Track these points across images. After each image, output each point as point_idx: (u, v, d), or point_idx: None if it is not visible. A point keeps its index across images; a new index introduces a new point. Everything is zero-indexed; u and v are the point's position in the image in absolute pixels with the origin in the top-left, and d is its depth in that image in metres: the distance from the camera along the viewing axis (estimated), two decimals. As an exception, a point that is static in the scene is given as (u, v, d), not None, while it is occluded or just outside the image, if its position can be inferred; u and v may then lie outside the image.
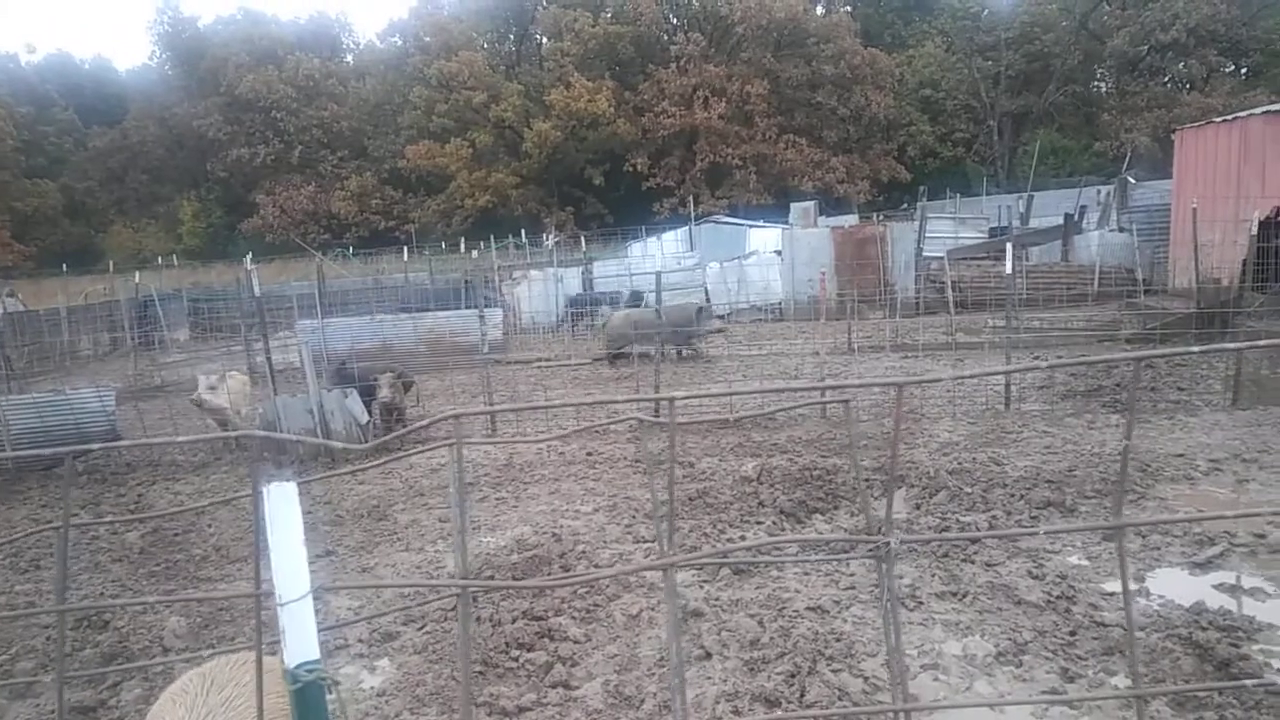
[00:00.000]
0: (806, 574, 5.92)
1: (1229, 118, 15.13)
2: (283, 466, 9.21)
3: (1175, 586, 5.40)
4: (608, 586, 5.83)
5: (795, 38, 42.88)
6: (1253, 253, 10.76)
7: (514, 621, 5.40)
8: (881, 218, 27.22)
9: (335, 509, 8.09)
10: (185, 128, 47.71)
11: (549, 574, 6.05)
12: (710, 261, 20.83)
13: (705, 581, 5.89)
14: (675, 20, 46.01)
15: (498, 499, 8.04)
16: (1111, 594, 5.34)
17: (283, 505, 1.42)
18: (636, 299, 17.59)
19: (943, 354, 13.58)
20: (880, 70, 42.78)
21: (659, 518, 6.57)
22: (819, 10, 45.86)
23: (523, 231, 28.31)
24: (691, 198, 37.60)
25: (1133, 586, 5.43)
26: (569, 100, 41.54)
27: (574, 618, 5.47)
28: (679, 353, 14.50)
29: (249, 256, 15.64)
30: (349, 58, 53.78)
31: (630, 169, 42.94)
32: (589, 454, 9.21)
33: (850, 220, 28.96)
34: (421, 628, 5.51)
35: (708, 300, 18.08)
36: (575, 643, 5.20)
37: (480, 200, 42.98)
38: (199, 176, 50.63)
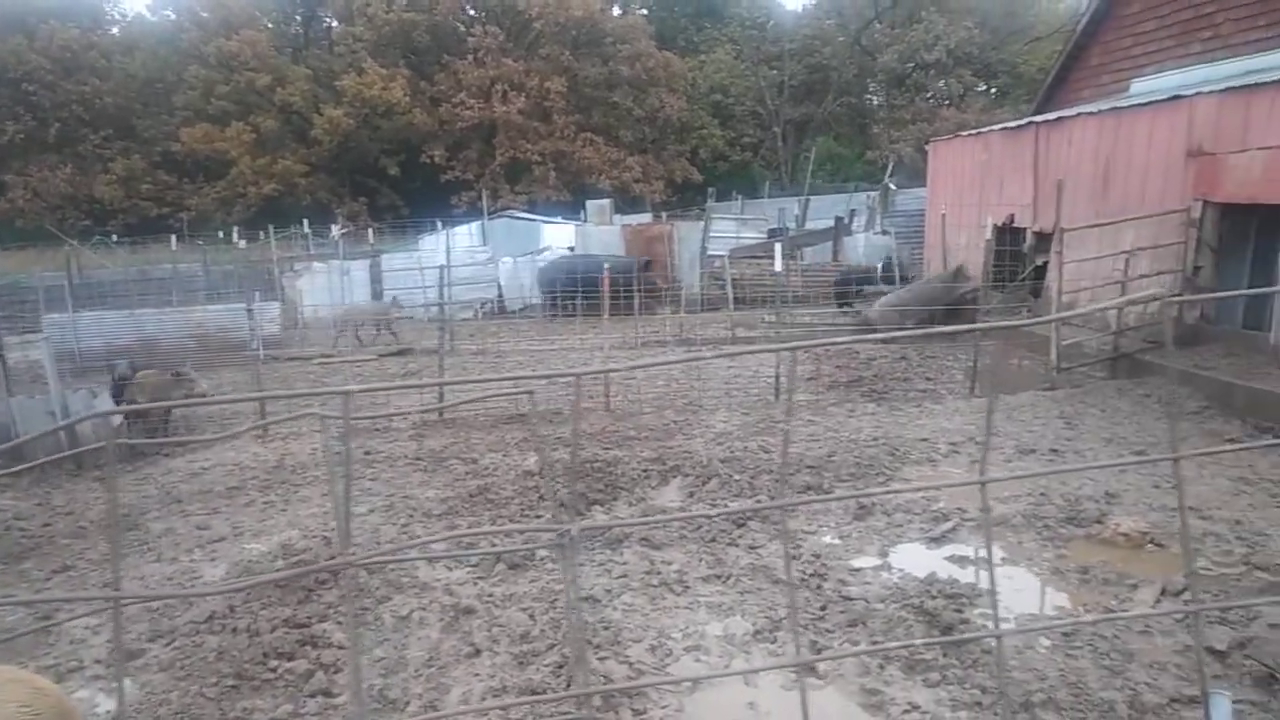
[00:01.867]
0: (581, 564, 6.01)
1: (974, 132, 16.66)
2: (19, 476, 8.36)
3: (913, 560, 5.89)
4: (378, 588, 5.68)
5: (593, 37, 43.31)
6: (990, 255, 11.92)
7: (274, 630, 5.15)
8: (666, 217, 27.98)
9: (78, 520, 7.42)
10: (-82, 98, 42.05)
11: (318, 580, 5.81)
12: (504, 257, 20.70)
13: (480, 578, 5.85)
14: (473, 11, 45.23)
15: (265, 503, 7.64)
16: (859, 570, 5.76)
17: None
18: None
19: (724, 348, 14.15)
20: (674, 74, 43.94)
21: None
22: (615, 11, 46.52)
23: (304, 222, 26.88)
24: (491, 192, 37.16)
25: (877, 561, 5.88)
26: (362, 87, 39.97)
27: (339, 623, 5.28)
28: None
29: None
30: (114, 30, 49.16)
31: (428, 160, 41.87)
32: (366, 453, 8.93)
33: (646, 219, 29.62)
34: (170, 643, 5.14)
35: (500, 295, 17.95)
36: (340, 648, 5.03)
37: (265, 188, 40.53)
38: (-67, 153, 44.77)
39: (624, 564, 5.98)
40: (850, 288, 16.74)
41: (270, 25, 45.75)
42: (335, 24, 46.39)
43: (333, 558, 5.94)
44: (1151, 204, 10.78)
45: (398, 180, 43.55)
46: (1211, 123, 10.09)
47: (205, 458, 9.26)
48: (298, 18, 48.52)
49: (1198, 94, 10.41)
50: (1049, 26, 43.36)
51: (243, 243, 24.18)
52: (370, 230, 28.85)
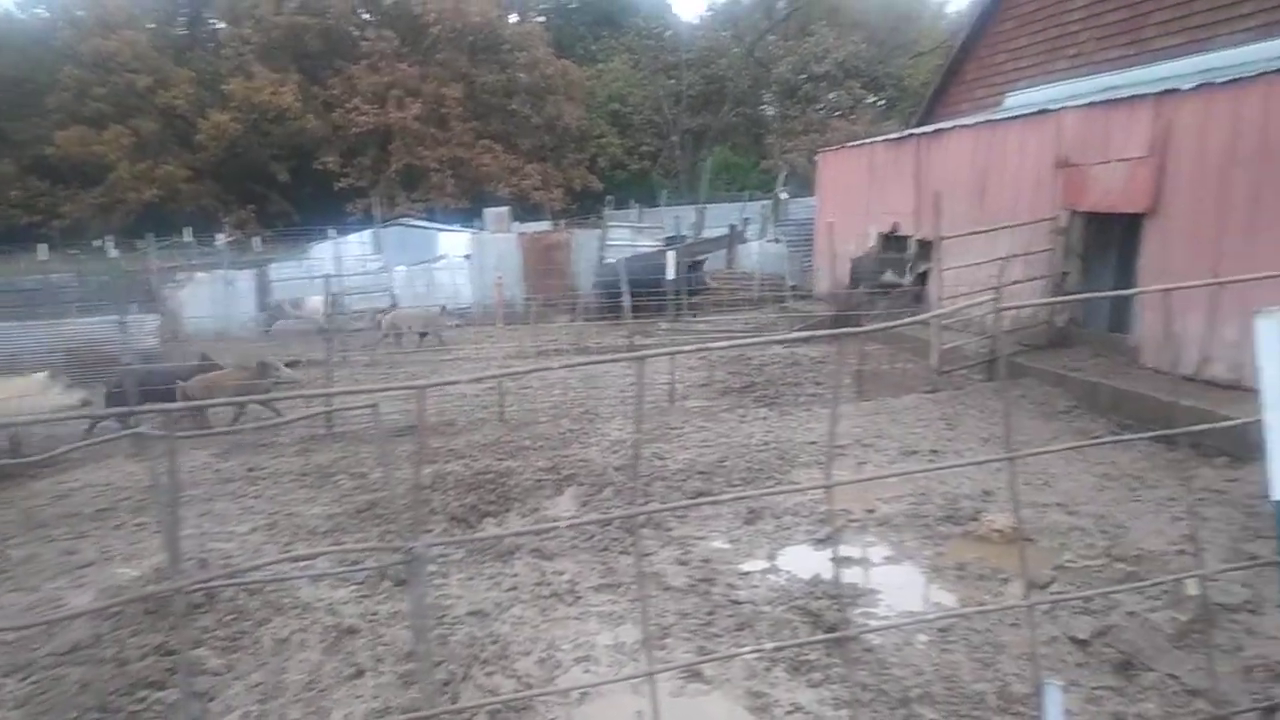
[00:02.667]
0: (471, 579, 5.92)
1: (859, 143, 17.18)
2: None
3: (800, 562, 6.00)
4: (257, 610, 5.48)
5: (490, 43, 42.97)
6: (875, 262, 12.29)
7: (144, 659, 4.91)
8: (565, 225, 27.97)
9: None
10: None
11: (193, 603, 5.56)
12: (398, 265, 20.32)
13: (364, 596, 5.71)
14: (367, 16, 44.29)
15: (138, 525, 7.29)
16: (747, 573, 5.84)
17: None
18: None
19: (621, 355, 14.19)
20: (572, 82, 43.96)
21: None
22: (513, 18, 46.28)
23: (186, 230, 25.82)
24: (386, 199, 36.43)
25: (765, 564, 5.98)
26: (250, 91, 38.64)
27: (215, 648, 5.08)
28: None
29: None
30: (-21, 27, 46.32)
31: (320, 167, 40.76)
32: (250, 470, 8.62)
33: (544, 227, 29.52)
34: (27, 677, 4.85)
35: (394, 304, 17.61)
36: (215, 675, 4.83)
37: (145, 194, 38.75)
38: None
39: (514, 576, 5.92)
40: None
41: (151, 26, 43.81)
42: (221, 26, 44.71)
43: (207, 581, 5.71)
44: (1024, 213, 11.30)
45: (288, 187, 42.27)
46: (1076, 136, 10.63)
47: (74, 478, 8.80)
48: (181, 18, 46.65)
49: (1064, 108, 10.97)
50: (932, 41, 45.10)
51: (116, 252, 23.05)
52: (258, 238, 27.90)
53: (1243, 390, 8.07)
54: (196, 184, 40.67)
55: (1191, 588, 4.75)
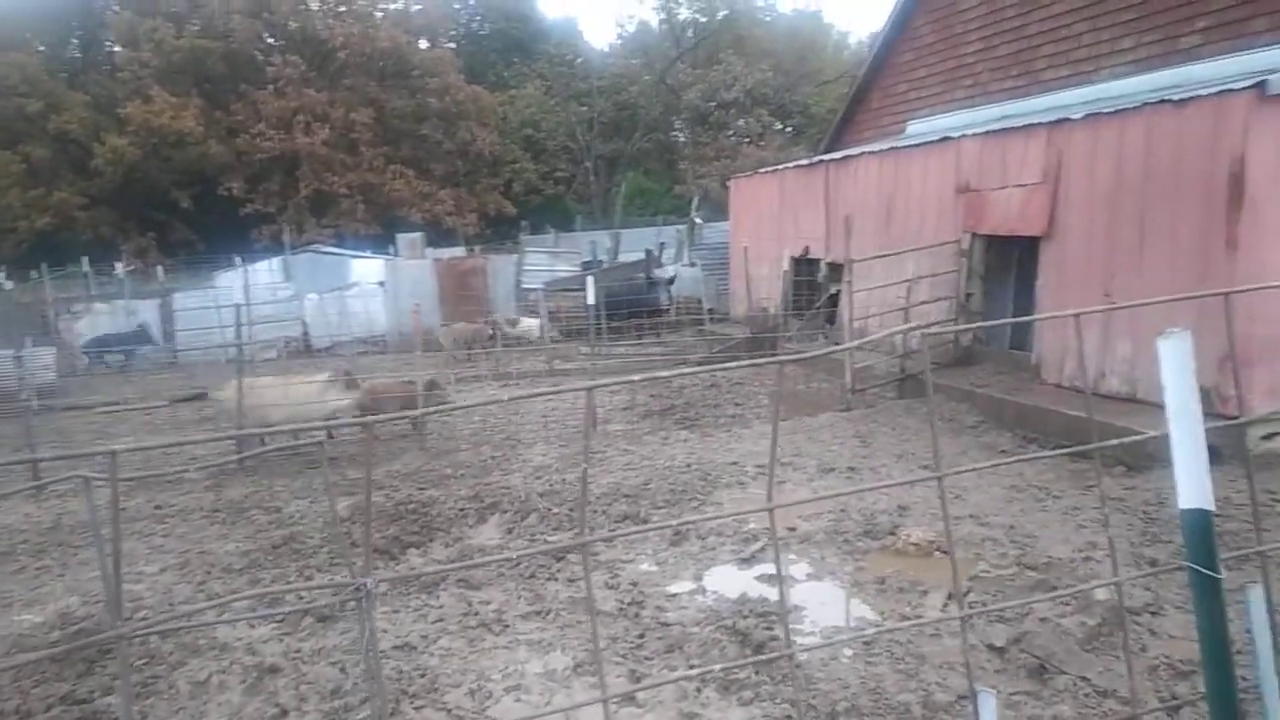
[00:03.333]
0: (396, 611, 5.83)
1: (770, 169, 17.60)
2: None
3: (726, 581, 6.08)
4: (171, 653, 5.29)
5: (400, 69, 42.57)
6: (788, 285, 12.59)
7: (48, 710, 4.69)
8: (480, 250, 27.84)
9: None
10: None
11: (100, 649, 5.33)
12: (309, 293, 19.90)
13: (286, 634, 5.56)
14: (272, 40, 43.41)
15: (39, 568, 6.95)
16: (675, 595, 5.89)
17: None
18: None
19: (542, 381, 14.17)
20: (484, 107, 43.85)
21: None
22: (423, 44, 45.97)
23: (83, 259, 24.77)
24: (295, 225, 35.61)
25: (692, 585, 6.04)
26: (149, 115, 37.38)
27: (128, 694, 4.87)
28: None
29: None
30: None
31: (225, 193, 39.60)
32: (157, 507, 8.31)
33: (459, 252, 29.29)
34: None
35: (305, 333, 17.22)
36: (128, 723, 4.63)
37: (38, 222, 37.06)
38: None
39: (440, 607, 5.84)
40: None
41: (43, 49, 42.15)
42: (118, 49, 43.25)
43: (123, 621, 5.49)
44: (928, 236, 11.73)
45: (192, 213, 40.94)
46: (976, 162, 11.12)
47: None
48: (75, 41, 44.97)
49: (964, 136, 11.46)
50: (836, 70, 46.62)
51: (9, 283, 22.02)
52: (160, 267, 26.97)
53: (1136, 402, 8.53)
54: (93, 211, 39.10)
55: (1100, 593, 4.99)
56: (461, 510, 7.73)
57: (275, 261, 23.32)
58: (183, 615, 4.93)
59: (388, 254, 26.38)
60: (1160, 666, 4.42)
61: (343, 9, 42.63)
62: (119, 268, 24.51)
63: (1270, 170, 7.67)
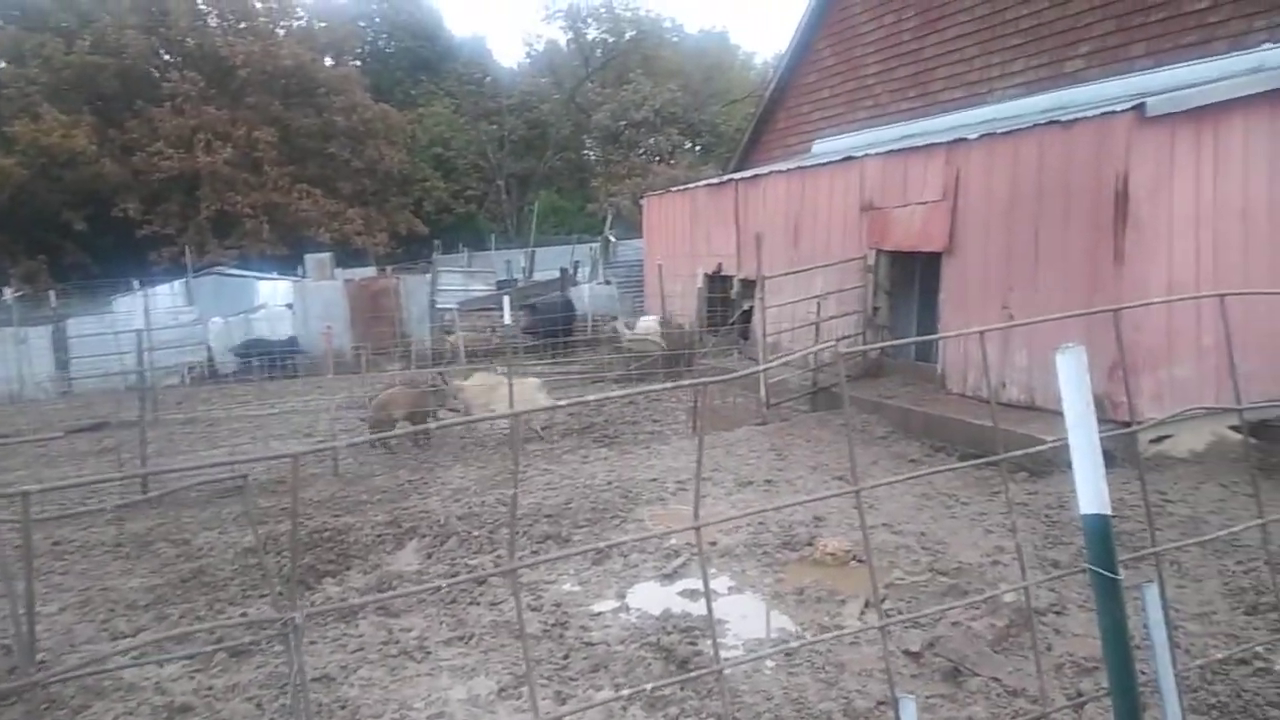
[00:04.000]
0: (313, 642, 5.68)
1: (682, 188, 17.85)
2: None
3: (649, 598, 6.11)
4: (72, 697, 5.05)
5: (305, 87, 41.70)
6: (703, 302, 12.78)
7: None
8: (392, 270, 27.43)
9: None
10: None
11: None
12: (214, 316, 19.28)
13: (197, 671, 5.37)
14: (168, 57, 42.00)
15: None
16: (599, 614, 5.90)
17: None
18: None
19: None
20: (392, 126, 43.28)
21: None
22: (328, 62, 45.16)
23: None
24: (196, 247, 34.46)
25: (615, 604, 6.05)
26: (38, 134, 35.72)
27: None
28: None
29: None
30: None
31: (121, 214, 38.06)
32: (55, 543, 7.93)
33: (370, 272, 28.82)
34: None
35: (210, 358, 16.69)
36: (27, 773, 4.41)
37: (-84, 246, 35.15)
38: None
39: (359, 636, 5.72)
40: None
41: (-81, 65, 40.01)
42: (3, 65, 41.29)
43: (12, 670, 5.23)
44: (835, 253, 12.06)
45: (85, 236, 39.20)
46: (878, 181, 11.49)
47: None
48: (-46, 57, 42.75)
49: (867, 155, 11.83)
50: (743, 90, 47.54)
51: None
52: (52, 292, 25.76)
53: (1035, 410, 8.91)
54: (-24, 234, 37.17)
55: (1008, 595, 5.20)
56: (378, 536, 7.59)
57: (177, 284, 22.53)
58: (104, 657, 4.73)
59: (295, 275, 25.76)
60: (1065, 664, 4.62)
61: (243, 25, 41.54)
62: (7, 293, 23.29)
63: (1150, 188, 8.15)
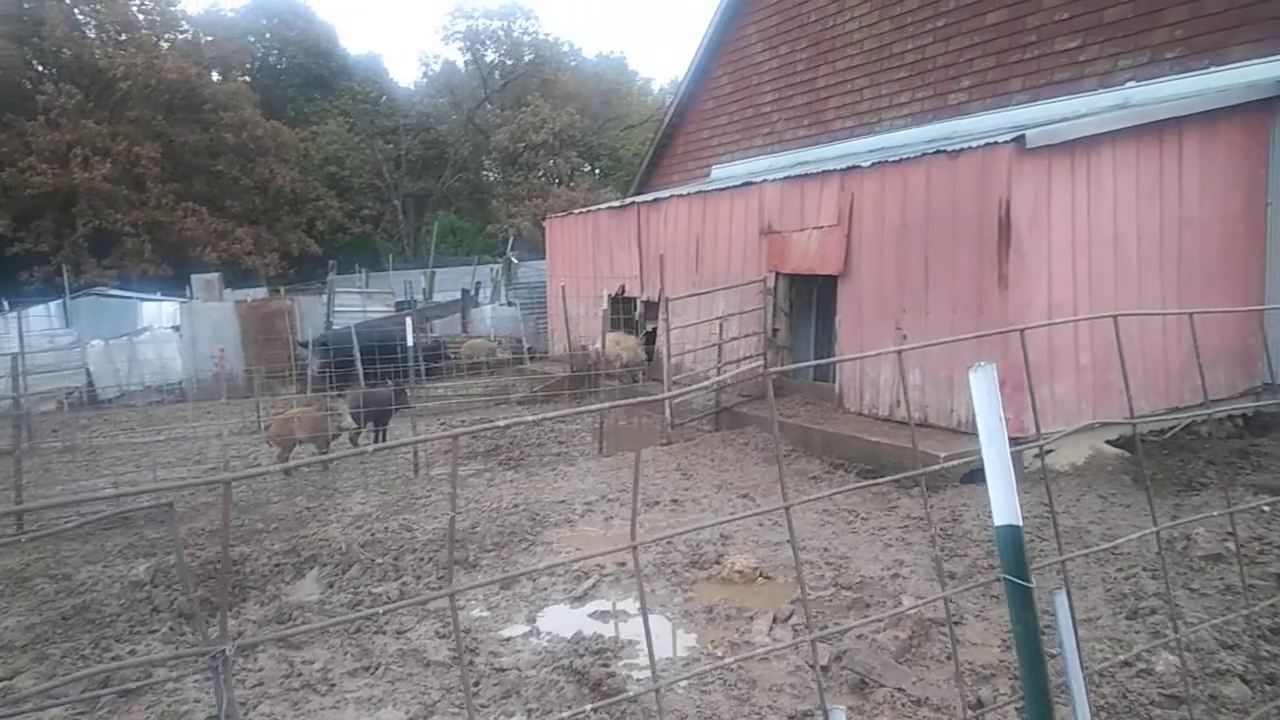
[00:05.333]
0: (208, 678, 5.45)
1: (584, 210, 17.93)
2: None
3: (560, 621, 6.08)
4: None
5: (190, 102, 40.27)
6: (607, 323, 12.85)
7: None
8: (285, 291, 26.68)
9: None
10: None
11: None
12: (93, 339, 18.34)
13: (80, 714, 5.09)
14: (42, 68, 39.94)
15: None
16: (509, 639, 5.84)
17: None
18: None
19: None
20: (284, 143, 42.19)
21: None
22: (215, 76, 43.74)
23: None
24: (72, 267, 32.78)
25: (525, 628, 6.01)
26: (-103, 148, 33.60)
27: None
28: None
29: None
30: None
31: (-11, 232, 35.97)
32: (-81, 584, 7.39)
33: (261, 293, 27.92)
34: None
35: (90, 382, 15.86)
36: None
37: None
38: None
39: (259, 670, 5.52)
40: None
41: None
42: None
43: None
44: (736, 275, 12.31)
45: (-50, 254, 36.87)
46: (777, 205, 11.79)
47: None
48: None
49: (765, 181, 12.14)
50: (640, 115, 48.17)
51: None
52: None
53: (928, 427, 9.26)
54: None
55: (913, 609, 5.37)
56: (277, 566, 7.34)
57: (54, 306, 21.35)
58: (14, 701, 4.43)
59: (182, 296, 24.75)
60: (965, 672, 4.81)
61: (124, 37, 39.93)
62: None
63: (1031, 215, 8.60)
